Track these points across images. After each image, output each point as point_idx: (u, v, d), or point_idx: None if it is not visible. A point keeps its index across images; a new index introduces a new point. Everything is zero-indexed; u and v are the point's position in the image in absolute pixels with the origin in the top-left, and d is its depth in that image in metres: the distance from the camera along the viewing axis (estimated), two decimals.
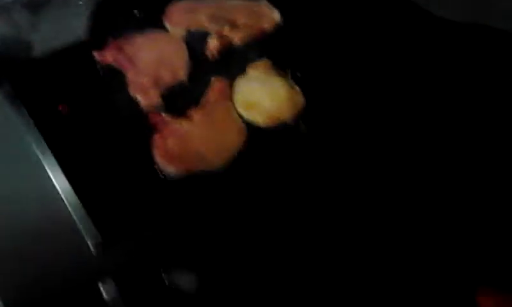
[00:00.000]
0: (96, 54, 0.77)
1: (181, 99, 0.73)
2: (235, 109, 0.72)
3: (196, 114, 0.71)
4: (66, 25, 0.85)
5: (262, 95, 0.72)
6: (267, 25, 0.83)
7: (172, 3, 0.86)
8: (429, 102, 0.74)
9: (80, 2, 0.90)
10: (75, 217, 0.61)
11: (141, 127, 0.69)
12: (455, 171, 0.67)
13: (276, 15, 0.84)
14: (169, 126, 0.69)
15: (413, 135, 0.70)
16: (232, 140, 0.69)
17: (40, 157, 0.67)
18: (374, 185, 0.65)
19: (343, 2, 0.87)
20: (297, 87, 0.73)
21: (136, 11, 0.85)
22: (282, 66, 0.76)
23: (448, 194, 0.65)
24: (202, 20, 0.83)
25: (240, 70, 0.76)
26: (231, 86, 0.74)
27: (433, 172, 0.67)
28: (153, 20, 0.83)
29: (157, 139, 0.68)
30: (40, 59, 0.80)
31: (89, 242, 0.59)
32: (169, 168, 0.65)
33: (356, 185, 0.65)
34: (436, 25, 0.83)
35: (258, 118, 0.70)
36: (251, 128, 0.70)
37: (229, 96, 0.73)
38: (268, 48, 0.79)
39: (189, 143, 0.67)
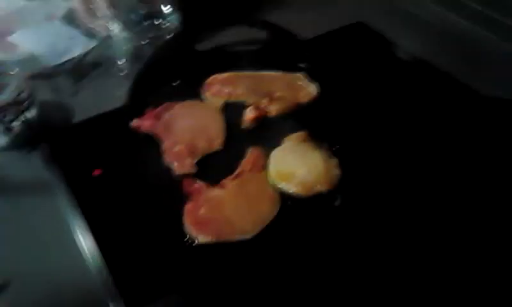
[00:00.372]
0: (134, 122, 0.78)
1: (215, 168, 0.73)
2: (270, 179, 0.70)
3: (230, 183, 0.70)
4: (107, 94, 0.88)
5: (298, 166, 0.70)
6: (303, 98, 0.83)
7: (211, 75, 0.87)
8: (475, 182, 0.71)
9: (122, 74, 0.93)
10: (99, 281, 0.60)
11: (174, 194, 0.69)
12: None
13: (313, 88, 0.84)
14: (202, 194, 0.68)
15: (453, 216, 0.67)
16: (264, 210, 0.67)
17: (70, 219, 0.67)
18: (403, 265, 0.62)
19: (383, 76, 0.87)
20: (333, 160, 0.71)
21: (175, 82, 0.87)
22: (318, 138, 0.75)
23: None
24: (240, 92, 0.84)
25: (276, 141, 0.76)
26: (266, 156, 0.73)
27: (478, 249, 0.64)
28: (192, 91, 0.85)
29: (189, 206, 0.67)
30: (80, 124, 0.82)
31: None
32: (199, 235, 0.64)
33: (385, 263, 0.62)
34: (480, 102, 0.82)
35: (293, 189, 0.69)
36: (284, 199, 0.68)
37: (264, 166, 0.72)
38: (304, 120, 0.79)
39: (221, 211, 0.66)
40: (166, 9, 0.99)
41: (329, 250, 0.63)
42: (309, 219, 0.66)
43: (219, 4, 1.00)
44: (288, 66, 0.88)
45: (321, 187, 0.68)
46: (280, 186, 0.69)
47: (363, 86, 0.85)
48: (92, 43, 0.95)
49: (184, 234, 0.64)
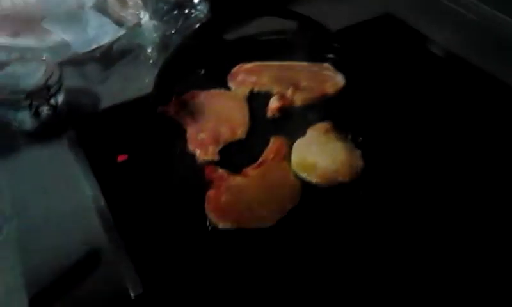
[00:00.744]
0: (160, 109, 0.78)
1: (239, 156, 0.73)
2: (292, 169, 0.70)
3: (252, 172, 0.70)
4: (135, 81, 0.89)
5: (321, 157, 0.70)
6: (330, 88, 0.82)
7: (238, 64, 0.87)
8: (495, 171, 0.69)
9: (150, 62, 0.94)
10: (119, 264, 0.61)
11: (196, 181, 0.69)
12: None
13: (339, 79, 0.83)
14: (224, 181, 0.68)
15: (479, 209, 0.66)
16: (285, 198, 0.67)
17: (93, 203, 0.68)
18: (424, 257, 0.61)
19: (411, 69, 0.86)
20: (357, 151, 0.71)
21: (201, 70, 0.87)
22: (343, 129, 0.74)
23: None
24: (266, 81, 0.83)
25: (300, 131, 0.75)
26: (290, 146, 0.73)
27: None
28: (218, 79, 0.85)
29: (210, 192, 0.67)
30: (106, 111, 0.83)
31: (130, 290, 0.58)
32: (220, 222, 0.64)
33: (406, 255, 0.61)
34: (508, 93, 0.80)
35: (315, 179, 0.68)
36: (306, 188, 0.68)
37: (287, 155, 0.72)
38: (329, 110, 0.78)
39: (242, 199, 0.66)
40: None
41: (348, 240, 0.62)
42: (330, 209, 0.65)
43: None
44: (315, 57, 0.87)
45: (343, 178, 0.67)
46: (302, 176, 0.69)
47: (390, 79, 0.83)
48: (121, 31, 0.96)
49: (205, 220, 0.65)
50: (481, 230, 0.64)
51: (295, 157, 0.71)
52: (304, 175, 0.69)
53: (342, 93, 0.82)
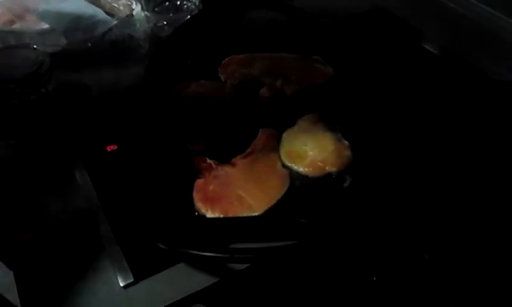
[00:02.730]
0: (150, 99, 0.79)
1: (228, 146, 0.73)
2: (281, 158, 0.70)
3: (241, 161, 0.70)
4: (126, 72, 0.89)
5: (310, 146, 0.70)
6: (319, 79, 0.82)
7: (228, 56, 0.87)
8: (484, 160, 0.70)
9: (141, 52, 0.94)
10: (108, 250, 0.61)
11: (185, 170, 0.69)
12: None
13: (329, 70, 0.84)
14: (212, 170, 0.69)
15: (465, 194, 0.66)
16: (273, 188, 0.67)
17: (82, 187, 0.68)
18: (411, 249, 0.61)
19: (400, 63, 0.86)
20: (345, 141, 0.71)
21: (192, 61, 0.87)
22: (331, 120, 0.75)
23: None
24: (256, 73, 0.84)
25: (290, 122, 0.76)
26: (279, 136, 0.73)
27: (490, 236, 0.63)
28: (209, 70, 0.85)
29: (199, 182, 0.68)
30: (97, 100, 0.83)
31: (119, 278, 0.59)
32: (208, 211, 0.64)
33: (392, 246, 0.62)
34: (498, 89, 0.80)
35: (304, 168, 0.68)
36: (295, 178, 0.68)
37: (275, 146, 0.72)
38: (319, 101, 0.78)
39: (230, 188, 0.66)
40: None
41: (335, 230, 0.62)
42: (318, 198, 0.66)
43: None
44: (306, 49, 0.88)
45: (331, 168, 0.68)
46: (290, 165, 0.69)
47: (380, 72, 0.83)
48: (113, 22, 0.96)
49: (193, 208, 0.65)
50: (471, 225, 0.64)
51: (284, 147, 0.71)
52: (292, 165, 0.69)
53: (332, 84, 0.82)
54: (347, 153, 0.70)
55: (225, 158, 0.71)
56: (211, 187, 0.67)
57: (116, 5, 0.99)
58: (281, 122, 0.76)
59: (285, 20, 0.92)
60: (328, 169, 0.68)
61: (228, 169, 0.69)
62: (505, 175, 0.68)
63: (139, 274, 0.59)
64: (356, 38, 0.91)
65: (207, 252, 0.59)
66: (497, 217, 0.64)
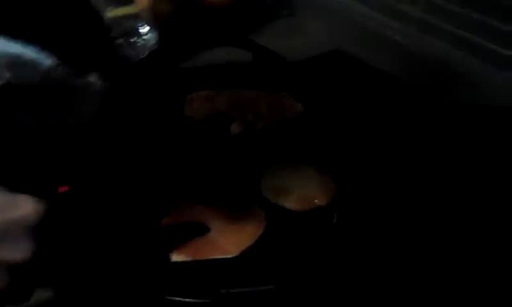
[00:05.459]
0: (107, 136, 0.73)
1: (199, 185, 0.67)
2: (264, 195, 0.66)
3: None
4: (75, 110, 0.82)
5: (295, 181, 0.67)
6: (289, 115, 0.81)
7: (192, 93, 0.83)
8: (464, 190, 0.70)
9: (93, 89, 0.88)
10: None
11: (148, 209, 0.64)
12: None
13: (298, 106, 0.82)
14: (181, 210, 0.64)
15: (448, 226, 0.65)
16: (250, 230, 0.62)
17: None
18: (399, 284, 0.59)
19: (362, 95, 0.86)
20: (327, 174, 0.68)
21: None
22: (310, 154, 0.72)
23: None
24: (223, 108, 0.80)
25: (264, 157, 0.72)
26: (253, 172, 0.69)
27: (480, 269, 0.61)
28: (173, 107, 0.81)
29: (165, 221, 0.62)
30: (43, 138, 0.75)
31: None
32: (176, 256, 0.59)
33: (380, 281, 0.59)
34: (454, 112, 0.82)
35: (288, 203, 0.64)
36: (277, 213, 0.64)
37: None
38: (292, 136, 0.76)
39: None
40: (142, 27, 0.96)
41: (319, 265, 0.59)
42: (304, 233, 0.62)
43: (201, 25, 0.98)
44: (272, 86, 0.86)
45: (320, 201, 0.65)
46: (273, 200, 0.65)
47: (347, 106, 0.82)
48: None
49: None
50: (459, 256, 0.62)
51: (265, 182, 0.67)
52: (276, 198, 0.65)
53: (302, 119, 0.80)
54: (333, 184, 0.67)
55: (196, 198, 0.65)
56: None
57: None
58: (256, 157, 0.72)
59: (250, 58, 0.90)
60: (318, 202, 0.64)
61: (198, 208, 0.64)
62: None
63: None
64: (320, 75, 0.90)
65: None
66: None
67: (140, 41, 0.95)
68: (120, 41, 0.95)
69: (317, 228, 0.62)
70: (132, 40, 0.95)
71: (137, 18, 0.95)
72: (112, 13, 0.95)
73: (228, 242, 0.60)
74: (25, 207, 0.46)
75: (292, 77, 0.87)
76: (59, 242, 0.48)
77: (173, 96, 0.83)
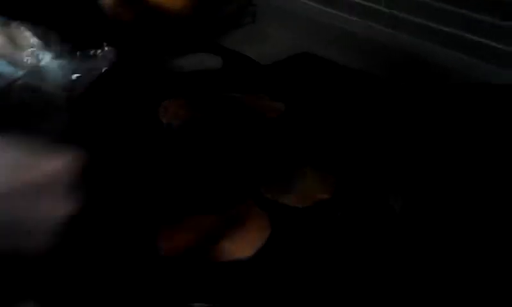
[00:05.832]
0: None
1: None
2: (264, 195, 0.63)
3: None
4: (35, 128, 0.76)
5: (290, 179, 0.65)
6: (272, 114, 0.78)
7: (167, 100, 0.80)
8: (457, 187, 0.67)
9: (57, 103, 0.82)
10: None
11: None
12: None
13: (279, 105, 0.80)
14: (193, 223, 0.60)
15: (448, 224, 0.62)
16: (258, 233, 0.59)
17: None
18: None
19: (338, 92, 0.86)
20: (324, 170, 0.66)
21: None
22: (303, 152, 0.71)
23: None
24: (201, 113, 0.76)
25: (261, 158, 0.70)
26: None
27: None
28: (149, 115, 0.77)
29: (165, 230, 0.59)
30: None
31: None
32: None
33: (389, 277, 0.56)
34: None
35: (289, 201, 0.62)
36: (281, 211, 0.61)
37: None
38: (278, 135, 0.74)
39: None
40: None
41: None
42: (309, 230, 0.60)
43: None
44: (248, 89, 0.83)
45: (322, 196, 0.62)
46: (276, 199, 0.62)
47: (326, 104, 0.82)
48: (18, 73, 0.83)
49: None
50: (462, 256, 0.59)
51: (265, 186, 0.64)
52: (279, 198, 0.62)
53: (284, 118, 0.78)
54: (331, 178, 0.64)
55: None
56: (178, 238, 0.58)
57: (19, 56, 0.87)
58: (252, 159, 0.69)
59: (222, 63, 0.87)
60: (320, 197, 0.61)
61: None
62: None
63: None
64: (294, 76, 0.88)
65: None
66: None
67: (100, 52, 0.90)
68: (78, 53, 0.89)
69: (323, 222, 0.60)
70: (91, 51, 0.90)
71: None
72: None
73: (238, 248, 0.57)
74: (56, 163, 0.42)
75: (268, 79, 0.85)
76: None
77: (146, 103, 0.78)
